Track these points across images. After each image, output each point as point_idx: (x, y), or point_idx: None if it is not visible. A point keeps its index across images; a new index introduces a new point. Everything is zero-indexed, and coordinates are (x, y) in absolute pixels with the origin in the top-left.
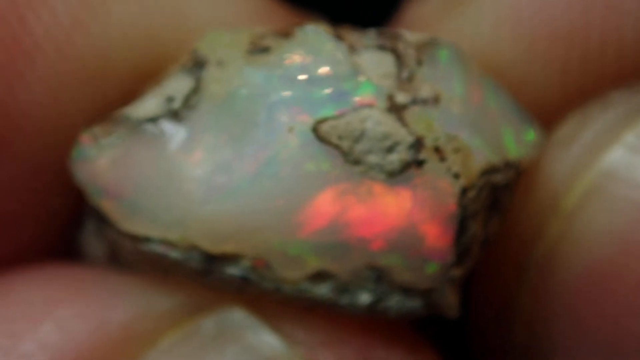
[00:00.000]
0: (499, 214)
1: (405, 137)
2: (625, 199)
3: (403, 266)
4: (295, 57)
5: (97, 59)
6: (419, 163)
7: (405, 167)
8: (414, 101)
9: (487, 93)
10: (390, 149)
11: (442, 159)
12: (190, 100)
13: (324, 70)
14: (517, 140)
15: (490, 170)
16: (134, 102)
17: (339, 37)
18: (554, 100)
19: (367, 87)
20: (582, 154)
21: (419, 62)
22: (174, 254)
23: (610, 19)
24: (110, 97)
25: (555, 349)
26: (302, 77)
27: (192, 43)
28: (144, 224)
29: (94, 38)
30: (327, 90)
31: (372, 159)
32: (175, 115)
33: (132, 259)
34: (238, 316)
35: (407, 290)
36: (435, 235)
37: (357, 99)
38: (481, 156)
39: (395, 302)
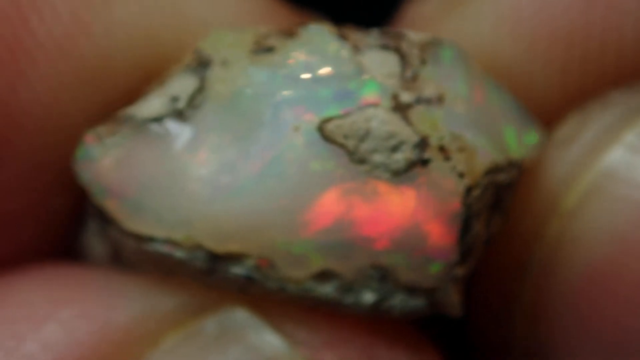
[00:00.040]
0: (501, 213)
1: (410, 136)
2: (625, 199)
3: (407, 265)
4: (300, 57)
5: (99, 59)
6: (424, 162)
7: (410, 166)
8: (419, 100)
9: (489, 93)
10: (395, 148)
11: (447, 158)
12: (195, 99)
13: (328, 69)
14: (519, 140)
15: (494, 170)
16: (137, 101)
17: (342, 37)
18: (554, 100)
19: (372, 87)
20: (582, 153)
21: (423, 62)
22: (179, 254)
23: (610, 18)
24: (112, 97)
25: (556, 348)
26: (306, 76)
27: (194, 43)
28: (149, 224)
29: (96, 38)
30: (332, 90)
31: (377, 158)
32: (180, 114)
33: (135, 259)
34: (240, 316)
35: (410, 290)
36: (440, 234)
37: (361, 98)
38: (485, 155)
39: (399, 301)
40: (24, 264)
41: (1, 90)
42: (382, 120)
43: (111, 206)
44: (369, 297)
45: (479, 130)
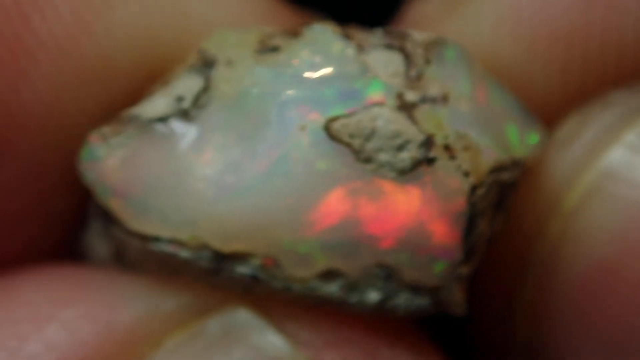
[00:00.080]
0: (503, 212)
1: (415, 135)
2: (626, 198)
3: (412, 264)
4: (305, 57)
5: (100, 59)
6: (430, 161)
7: (416, 165)
8: (424, 99)
9: (492, 92)
10: (400, 147)
11: (452, 157)
12: (200, 99)
13: (333, 69)
14: (521, 139)
15: (498, 168)
16: (142, 101)
17: (347, 37)
18: (555, 100)
19: (377, 86)
20: (583, 153)
21: (427, 61)
22: (184, 254)
23: (610, 18)
24: (113, 97)
25: (557, 347)
26: (312, 76)
27: (196, 43)
28: (154, 224)
29: (97, 37)
30: (337, 89)
31: (383, 157)
32: (185, 114)
33: (139, 259)
34: (243, 317)
35: (415, 289)
36: (444, 233)
37: (367, 97)
38: (490, 154)
39: (403, 300)
40: (26, 265)
41: (3, 90)
42: (388, 120)
43: (116, 206)
44: (373, 296)
45: (483, 129)
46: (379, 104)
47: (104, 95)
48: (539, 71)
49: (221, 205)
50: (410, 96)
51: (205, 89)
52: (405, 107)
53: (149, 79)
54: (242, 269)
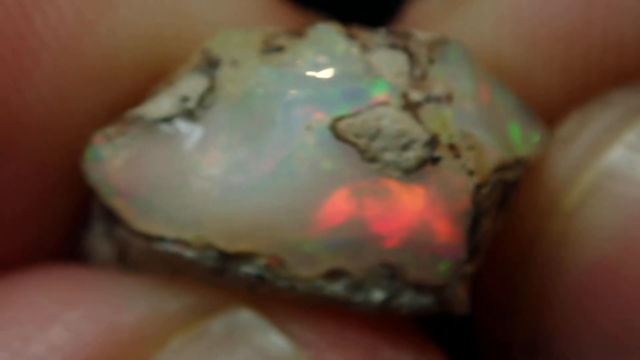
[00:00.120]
0: (506, 211)
1: (420, 134)
2: (626, 197)
3: (417, 263)
4: (309, 56)
5: (103, 58)
6: (435, 160)
7: (421, 164)
8: (428, 99)
9: (494, 91)
10: (406, 147)
11: (457, 156)
12: (205, 99)
13: (338, 68)
14: (523, 138)
15: (502, 167)
16: (146, 102)
17: (351, 36)
18: (555, 99)
19: (382, 85)
20: (583, 153)
21: (431, 61)
22: (189, 254)
23: (610, 18)
24: (116, 97)
25: (559, 345)
26: (317, 76)
27: (199, 43)
28: (159, 224)
29: (100, 37)
30: (342, 89)
31: (388, 156)
32: (190, 114)
33: (143, 259)
34: (247, 317)
35: (419, 287)
36: (449, 232)
37: (371, 97)
38: (494, 153)
39: (407, 299)
40: (28, 265)
41: (5, 90)
42: (393, 119)
43: (120, 206)
44: (378, 295)
45: (487, 128)
46: (384, 104)
47: (106, 95)
48: (540, 70)
49: (226, 205)
50: (415, 96)
51: (210, 89)
52: (410, 107)
53: (151, 78)
54: (247, 269)
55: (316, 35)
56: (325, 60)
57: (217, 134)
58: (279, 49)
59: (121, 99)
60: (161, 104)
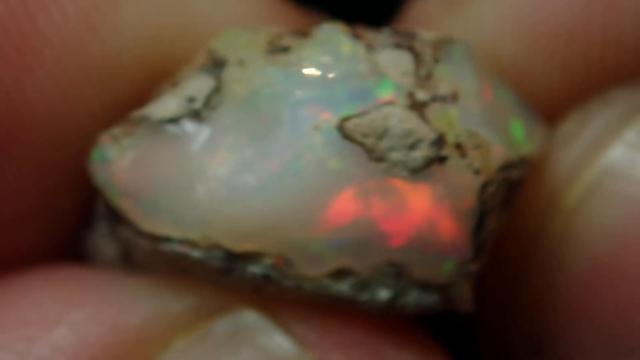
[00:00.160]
0: (510, 209)
1: (427, 133)
2: (626, 196)
3: (422, 262)
4: (316, 57)
5: (106, 57)
6: (441, 159)
7: (428, 163)
8: (434, 98)
9: (497, 89)
10: (413, 146)
11: (464, 155)
12: (212, 100)
13: (344, 68)
14: (526, 136)
15: (507, 166)
16: (151, 102)
17: (356, 36)
18: (556, 97)
19: (388, 85)
20: (583, 151)
21: (436, 60)
22: (196, 254)
23: (610, 15)
24: (119, 96)
25: (561, 343)
26: (323, 75)
27: (202, 42)
28: (165, 224)
29: (104, 36)
30: (349, 89)
31: (396, 156)
32: (196, 115)
33: (148, 260)
34: (251, 318)
35: (424, 286)
36: (455, 231)
37: (378, 96)
38: (499, 152)
39: (413, 297)
40: (32, 265)
41: (8, 88)
42: (400, 119)
43: (127, 207)
44: (383, 294)
45: (492, 127)
46: (390, 104)
47: (109, 94)
48: (540, 68)
49: (233, 205)
50: (421, 95)
51: (217, 90)
52: (416, 106)
53: (154, 78)
54: (254, 269)
55: (322, 35)
56: (332, 60)
57: (224, 134)
58: (285, 50)
59: (124, 98)
60: (167, 105)
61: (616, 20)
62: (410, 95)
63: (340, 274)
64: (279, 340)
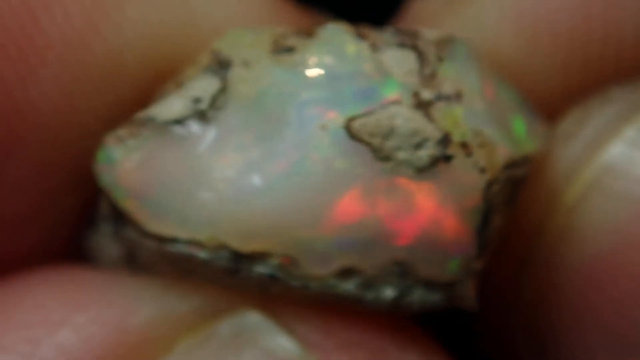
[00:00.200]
0: (513, 207)
1: (433, 133)
2: (625, 193)
3: (427, 261)
4: (321, 56)
5: (109, 57)
6: (447, 158)
7: (434, 162)
8: (439, 97)
9: (498, 87)
10: (419, 145)
11: (469, 154)
12: (218, 100)
13: (349, 68)
14: (527, 134)
15: (511, 164)
16: (156, 103)
17: (360, 36)
18: (556, 94)
19: (393, 85)
20: (583, 149)
21: (440, 59)
22: (202, 254)
23: (610, 12)
24: (122, 96)
25: (565, 343)
26: (328, 75)
27: (206, 43)
28: (172, 225)
29: (106, 36)
30: (354, 89)
31: (402, 155)
32: (202, 116)
33: (153, 261)
34: (254, 319)
35: (429, 284)
36: (460, 229)
37: (383, 96)
38: (503, 150)
39: (418, 296)
40: (34, 266)
41: (11, 88)
42: (406, 118)
43: (133, 208)
44: (389, 292)
45: (495, 125)
46: (396, 103)
47: (111, 93)
48: (540, 66)
49: (240, 206)
50: (426, 94)
51: (222, 90)
52: (422, 106)
53: (157, 77)
54: (261, 269)
55: (326, 35)
56: (337, 60)
57: (230, 135)
58: (290, 50)
59: (126, 97)
60: (172, 106)
61: (616, 18)
62: (416, 94)
63: (346, 273)
64: (282, 341)
